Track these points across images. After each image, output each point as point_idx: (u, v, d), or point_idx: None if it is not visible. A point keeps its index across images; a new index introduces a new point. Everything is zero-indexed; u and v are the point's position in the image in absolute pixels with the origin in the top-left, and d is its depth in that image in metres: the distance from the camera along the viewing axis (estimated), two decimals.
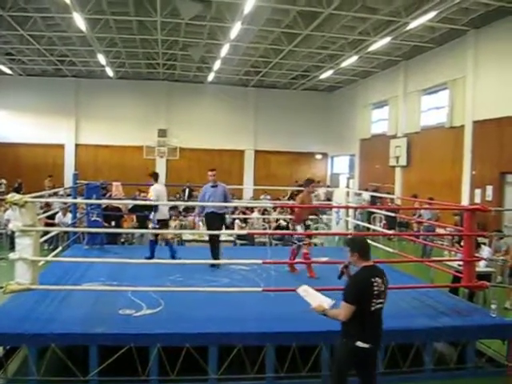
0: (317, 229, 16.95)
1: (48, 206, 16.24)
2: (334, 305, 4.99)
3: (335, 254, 9.95)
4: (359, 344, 4.82)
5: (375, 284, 4.84)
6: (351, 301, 4.79)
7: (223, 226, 10.89)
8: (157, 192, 10.94)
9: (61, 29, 20.34)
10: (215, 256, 10.16)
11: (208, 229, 10.79)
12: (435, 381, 6.74)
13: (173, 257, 10.46)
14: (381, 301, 4.88)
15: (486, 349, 7.27)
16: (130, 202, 12.07)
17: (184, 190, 27.37)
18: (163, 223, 11.05)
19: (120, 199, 13.55)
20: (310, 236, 10.21)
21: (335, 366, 5.20)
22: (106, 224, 13.82)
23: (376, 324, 4.95)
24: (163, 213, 11.01)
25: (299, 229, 9.91)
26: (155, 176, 11.39)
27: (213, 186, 10.57)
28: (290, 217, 17.45)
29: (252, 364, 6.33)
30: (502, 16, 16.91)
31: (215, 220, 10.41)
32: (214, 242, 10.39)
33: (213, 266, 9.90)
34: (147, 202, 11.37)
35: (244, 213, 17.81)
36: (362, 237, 5.70)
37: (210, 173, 10.71)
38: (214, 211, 10.37)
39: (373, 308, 4.83)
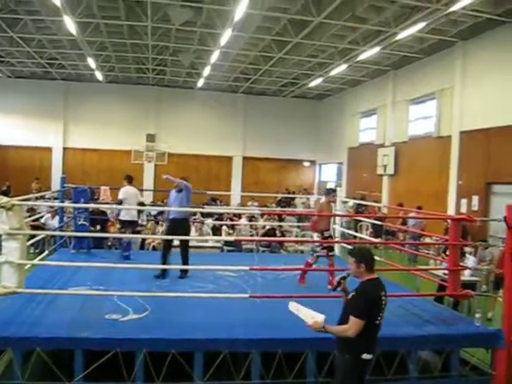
0: (304, 236, 17.04)
1: (33, 209, 16.15)
2: (325, 320, 4.81)
3: (322, 261, 9.97)
4: (365, 356, 4.77)
5: (383, 298, 4.81)
6: (363, 316, 4.68)
7: (188, 232, 10.40)
8: (124, 194, 11.38)
9: (51, 32, 20.34)
10: (184, 264, 9.65)
11: (168, 235, 10.12)
12: None
13: (126, 257, 11.14)
14: (384, 313, 4.84)
15: (470, 357, 7.31)
16: (117, 207, 12.00)
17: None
18: (130, 224, 11.57)
19: (107, 203, 13.50)
20: (330, 248, 9.67)
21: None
22: (91, 228, 13.85)
23: (377, 335, 4.93)
24: (131, 214, 11.51)
25: (315, 238, 9.73)
26: (129, 179, 11.82)
27: (178, 191, 10.05)
28: (277, 223, 17.57)
29: (238, 370, 6.32)
30: (490, 28, 17.12)
31: (175, 226, 9.80)
32: (182, 249, 9.88)
33: (181, 274, 9.55)
34: (138, 207, 11.49)
35: (231, 219, 17.83)
36: (367, 247, 5.54)
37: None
38: (175, 217, 9.89)
39: (378, 322, 4.80)
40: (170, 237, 9.66)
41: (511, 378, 6.98)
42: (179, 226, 9.67)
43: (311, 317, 4.85)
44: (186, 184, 9.97)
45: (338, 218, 13.27)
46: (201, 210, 16.69)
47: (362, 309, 4.70)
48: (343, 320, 4.84)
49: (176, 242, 10.46)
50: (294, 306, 5.12)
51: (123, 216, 11.54)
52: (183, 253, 9.76)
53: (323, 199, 10.21)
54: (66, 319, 6.70)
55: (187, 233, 10.06)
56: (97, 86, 30.41)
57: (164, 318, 6.92)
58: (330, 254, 9.48)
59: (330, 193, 10.07)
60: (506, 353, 6.96)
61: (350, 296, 4.89)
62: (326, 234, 9.70)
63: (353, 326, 4.68)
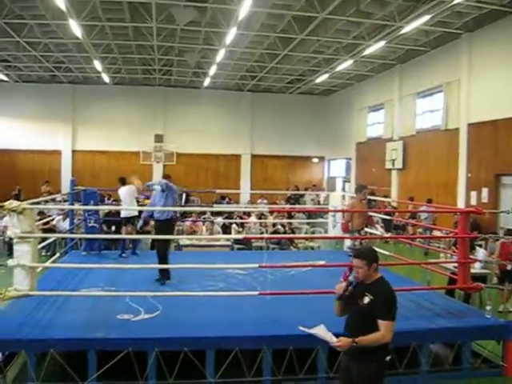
0: (313, 232, 17.06)
1: (43, 213, 16.26)
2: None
3: (331, 257, 10.01)
4: (387, 358, 4.68)
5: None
6: (394, 318, 4.55)
7: (171, 234, 10.03)
8: (121, 193, 12.12)
9: (57, 35, 20.40)
10: (161, 268, 9.14)
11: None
12: (431, 381, 6.81)
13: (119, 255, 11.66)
14: None
15: (481, 349, 7.31)
16: (126, 208, 12.15)
17: (181, 195, 27.42)
18: (127, 221, 12.02)
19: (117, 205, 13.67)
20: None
21: None
22: (106, 229, 14.06)
23: None
24: (127, 211, 11.96)
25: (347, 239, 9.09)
26: (122, 180, 12.34)
27: (161, 191, 9.64)
28: (286, 221, 17.59)
29: (249, 367, 6.38)
30: (495, 19, 17.03)
31: (157, 227, 9.65)
32: (160, 251, 9.39)
33: (161, 280, 9.09)
34: (147, 208, 11.67)
35: (241, 217, 17.88)
36: (370, 245, 5.30)
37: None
38: (158, 218, 9.57)
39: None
40: (169, 236, 9.69)
41: None
42: (161, 226, 9.47)
43: (330, 336, 4.51)
44: (166, 183, 9.62)
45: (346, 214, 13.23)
46: (210, 209, 16.77)
47: (392, 311, 4.55)
48: (360, 326, 4.55)
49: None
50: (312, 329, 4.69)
51: (123, 214, 12.19)
52: (161, 256, 9.23)
53: (355, 197, 9.74)
54: (78, 320, 6.78)
55: (170, 234, 9.83)
56: (104, 88, 30.54)
57: (175, 317, 6.99)
58: None
59: (362, 189, 9.53)
60: None
61: (367, 300, 4.56)
62: (362, 232, 9.44)
63: (388, 330, 4.48)
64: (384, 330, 4.46)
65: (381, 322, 4.48)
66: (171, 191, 9.67)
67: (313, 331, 4.58)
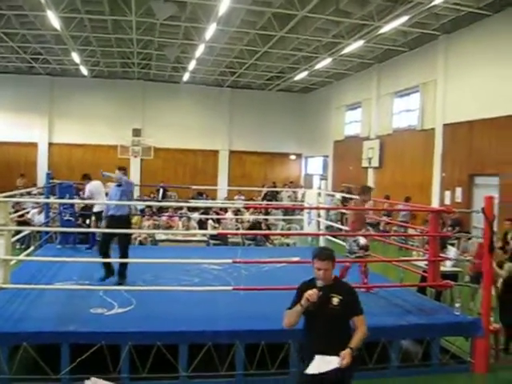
0: (289, 229, 17.18)
1: (18, 204, 16.11)
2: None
3: (306, 254, 10.07)
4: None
5: None
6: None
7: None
8: (91, 188, 12.02)
9: (35, 27, 20.21)
10: (122, 268, 8.67)
11: (105, 234, 9.09)
12: (401, 377, 6.93)
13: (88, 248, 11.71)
14: None
15: (449, 346, 7.47)
16: (101, 203, 12.08)
17: (158, 190, 27.41)
18: (99, 215, 11.75)
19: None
20: (366, 248, 8.62)
21: None
22: (82, 223, 14.02)
23: None
24: (99, 206, 11.63)
25: (353, 242, 8.60)
26: (87, 176, 12.42)
27: (117, 186, 9.04)
28: (263, 217, 17.68)
29: (222, 362, 6.44)
30: (472, 21, 17.28)
31: (113, 223, 8.82)
32: (120, 249, 8.78)
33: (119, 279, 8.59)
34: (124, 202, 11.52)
35: (218, 213, 17.93)
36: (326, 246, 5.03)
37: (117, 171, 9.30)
38: (113, 214, 8.90)
39: None
40: (157, 232, 9.70)
41: (490, 366, 7.18)
42: (117, 223, 8.70)
43: (330, 359, 4.32)
44: (126, 180, 9.16)
45: (322, 211, 13.36)
46: (187, 204, 16.78)
47: (361, 304, 4.61)
48: (334, 329, 4.46)
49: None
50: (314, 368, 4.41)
51: (95, 209, 12.18)
52: (121, 254, 8.65)
53: (358, 198, 9.36)
54: (51, 314, 6.78)
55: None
56: (82, 81, 30.25)
57: (149, 311, 7.01)
58: (367, 253, 8.65)
59: (367, 192, 9.14)
60: (485, 341, 7.15)
61: (336, 301, 4.46)
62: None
63: (365, 324, 4.53)
64: (364, 325, 4.50)
65: (358, 318, 4.52)
66: (128, 186, 9.15)
67: (320, 369, 4.33)
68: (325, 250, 4.65)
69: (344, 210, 19.41)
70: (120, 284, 8.34)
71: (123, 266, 8.62)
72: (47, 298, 7.39)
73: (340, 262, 7.57)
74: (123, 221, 8.87)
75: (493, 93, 16.29)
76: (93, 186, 12.05)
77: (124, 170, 9.37)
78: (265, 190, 28.65)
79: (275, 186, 30.51)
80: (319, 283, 4.45)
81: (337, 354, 4.31)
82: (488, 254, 7.14)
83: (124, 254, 8.65)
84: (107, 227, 8.99)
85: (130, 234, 9.44)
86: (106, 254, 8.67)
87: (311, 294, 4.35)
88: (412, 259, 10.72)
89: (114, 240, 8.92)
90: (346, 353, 4.27)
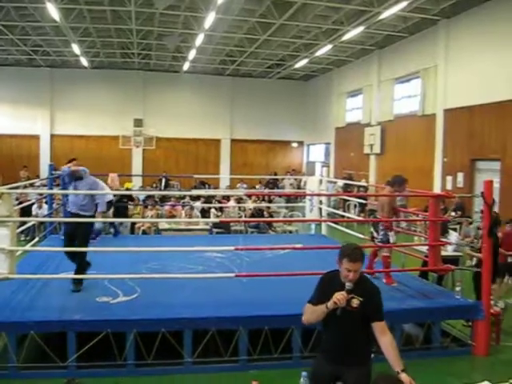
0: (291, 216, 17.26)
1: (22, 196, 16.22)
2: None
3: (308, 240, 10.18)
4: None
5: None
6: None
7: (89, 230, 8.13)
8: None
9: (34, 19, 20.17)
10: (78, 271, 7.63)
11: (65, 234, 8.37)
12: (403, 359, 7.01)
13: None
14: None
15: (450, 329, 7.57)
16: (109, 192, 12.15)
17: (160, 180, 27.54)
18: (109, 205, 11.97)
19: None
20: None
21: None
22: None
23: None
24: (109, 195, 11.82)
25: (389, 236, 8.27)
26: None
27: (77, 179, 8.14)
28: (265, 205, 17.76)
29: (226, 347, 6.55)
30: (472, 6, 17.22)
31: (73, 222, 8.00)
32: (77, 252, 7.72)
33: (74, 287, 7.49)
34: (126, 192, 11.56)
35: (220, 202, 18.00)
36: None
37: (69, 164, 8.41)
38: (73, 211, 8.14)
39: None
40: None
41: (490, 349, 7.27)
42: (78, 222, 7.85)
43: None
44: (69, 172, 8.19)
45: (324, 198, 13.44)
46: (189, 193, 16.84)
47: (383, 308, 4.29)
48: (354, 332, 4.22)
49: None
50: None
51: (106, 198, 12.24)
52: (79, 257, 7.69)
53: (391, 189, 8.80)
54: (57, 303, 6.89)
55: (87, 231, 7.97)
56: (82, 72, 30.22)
57: (153, 299, 7.11)
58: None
59: (402, 183, 8.72)
60: (485, 324, 7.24)
61: (356, 303, 4.15)
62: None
63: (387, 331, 4.22)
64: (387, 334, 4.18)
65: (377, 324, 4.19)
66: (78, 180, 8.09)
67: None
68: (356, 250, 4.19)
69: (345, 197, 19.56)
70: (78, 291, 7.41)
71: (80, 268, 7.64)
72: (53, 288, 7.49)
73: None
74: (84, 222, 7.86)
75: (493, 77, 16.26)
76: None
77: (74, 160, 8.61)
78: (266, 177, 28.88)
79: (276, 175, 30.60)
80: (348, 285, 4.10)
81: (352, 356, 4.19)
82: (487, 237, 7.20)
83: (80, 257, 7.70)
84: (66, 227, 8.13)
85: (90, 232, 8.25)
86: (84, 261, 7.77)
87: (341, 299, 4.02)
88: (412, 244, 10.79)
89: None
90: (408, 380, 3.83)
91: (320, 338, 4.64)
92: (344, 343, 4.21)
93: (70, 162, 8.40)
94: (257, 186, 28.17)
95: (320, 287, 4.35)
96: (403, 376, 3.83)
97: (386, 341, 4.15)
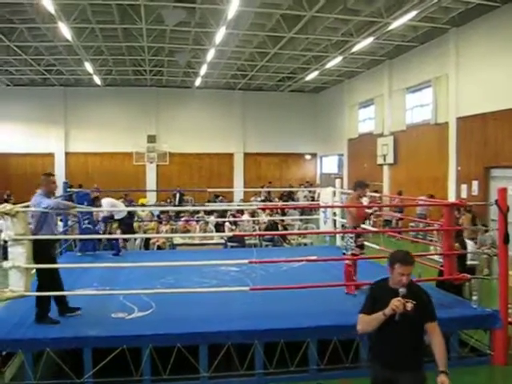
0: (306, 228, 17.21)
1: None
2: None
3: (323, 252, 10.13)
4: None
5: None
6: None
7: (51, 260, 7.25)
8: (106, 205, 12.74)
9: (47, 38, 20.44)
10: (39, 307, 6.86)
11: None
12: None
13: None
14: None
15: (468, 339, 7.48)
16: (118, 210, 12.29)
17: (175, 195, 27.62)
18: (121, 221, 12.82)
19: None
20: (362, 246, 8.71)
21: None
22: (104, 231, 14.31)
23: None
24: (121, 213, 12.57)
25: (350, 239, 8.56)
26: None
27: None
28: (278, 218, 17.73)
29: (242, 361, 6.52)
30: (482, 13, 17.15)
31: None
32: (38, 285, 6.98)
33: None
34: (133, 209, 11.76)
35: (234, 215, 17.99)
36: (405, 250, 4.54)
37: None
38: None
39: None
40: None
41: (509, 358, 7.17)
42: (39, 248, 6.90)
43: None
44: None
45: (338, 210, 13.38)
46: (203, 208, 16.86)
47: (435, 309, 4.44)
48: (411, 337, 4.34)
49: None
50: None
51: (117, 216, 12.70)
52: (42, 287, 6.93)
53: (353, 193, 9.17)
54: (73, 319, 6.93)
55: (48, 261, 7.06)
56: (95, 90, 30.56)
57: (168, 314, 7.12)
58: (362, 251, 8.71)
59: (363, 186, 8.94)
60: (503, 333, 7.15)
61: (410, 307, 4.15)
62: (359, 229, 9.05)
63: (439, 332, 4.38)
64: (439, 334, 4.35)
65: (431, 325, 4.34)
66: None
67: None
68: (408, 254, 4.36)
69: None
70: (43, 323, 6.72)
71: (41, 306, 6.88)
72: (69, 305, 7.50)
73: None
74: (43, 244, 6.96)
75: (505, 84, 16.17)
76: (107, 202, 12.73)
77: (50, 175, 7.71)
78: (280, 190, 28.84)
79: (291, 187, 30.58)
80: (402, 291, 4.20)
81: (408, 360, 4.31)
82: (503, 245, 7.14)
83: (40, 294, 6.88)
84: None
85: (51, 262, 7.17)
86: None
87: (398, 305, 4.11)
88: (427, 254, 10.68)
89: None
90: (446, 380, 4.13)
91: (365, 348, 4.66)
92: (401, 348, 4.30)
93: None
94: (252, 198, 27.88)
95: (371, 297, 4.46)
96: (441, 376, 4.11)
97: (438, 341, 4.35)
